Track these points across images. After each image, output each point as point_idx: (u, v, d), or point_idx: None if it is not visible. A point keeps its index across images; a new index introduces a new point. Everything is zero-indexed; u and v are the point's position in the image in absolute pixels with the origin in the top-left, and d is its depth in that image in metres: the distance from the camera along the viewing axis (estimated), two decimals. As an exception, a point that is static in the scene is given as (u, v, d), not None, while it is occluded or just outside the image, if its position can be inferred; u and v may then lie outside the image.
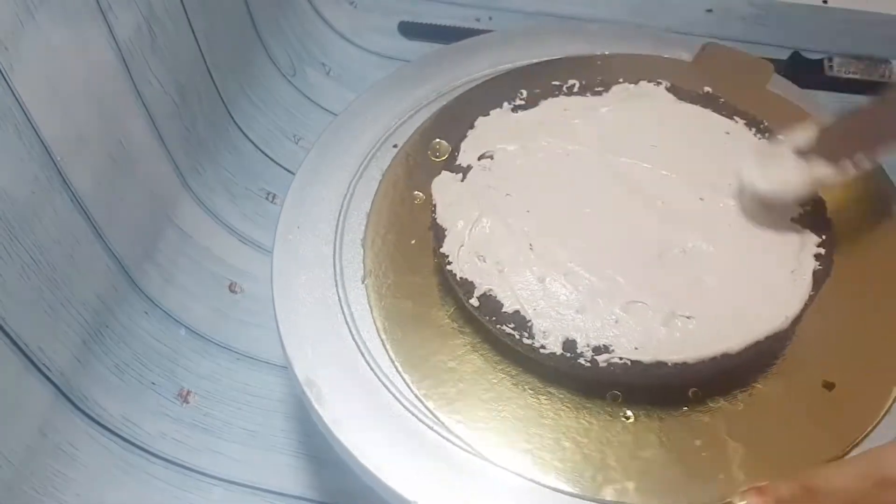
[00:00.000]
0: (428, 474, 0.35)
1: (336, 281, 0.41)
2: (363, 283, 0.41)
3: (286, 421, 0.49)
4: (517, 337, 0.35)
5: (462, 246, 0.38)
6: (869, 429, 0.36)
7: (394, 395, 0.37)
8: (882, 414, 0.37)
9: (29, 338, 0.43)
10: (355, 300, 0.40)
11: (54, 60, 0.43)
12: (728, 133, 0.42)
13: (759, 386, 0.37)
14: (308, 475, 0.47)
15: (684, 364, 0.34)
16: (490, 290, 0.36)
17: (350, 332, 0.39)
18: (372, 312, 0.40)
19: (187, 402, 0.49)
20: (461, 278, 0.37)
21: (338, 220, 0.44)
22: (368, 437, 0.36)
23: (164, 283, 0.53)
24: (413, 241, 0.42)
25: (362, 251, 0.42)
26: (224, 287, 0.54)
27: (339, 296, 0.41)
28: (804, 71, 0.67)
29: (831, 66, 0.67)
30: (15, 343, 0.42)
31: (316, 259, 0.42)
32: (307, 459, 0.48)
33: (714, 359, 0.34)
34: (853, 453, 0.35)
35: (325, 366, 0.38)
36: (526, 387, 0.37)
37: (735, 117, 0.43)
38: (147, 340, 0.50)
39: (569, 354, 0.35)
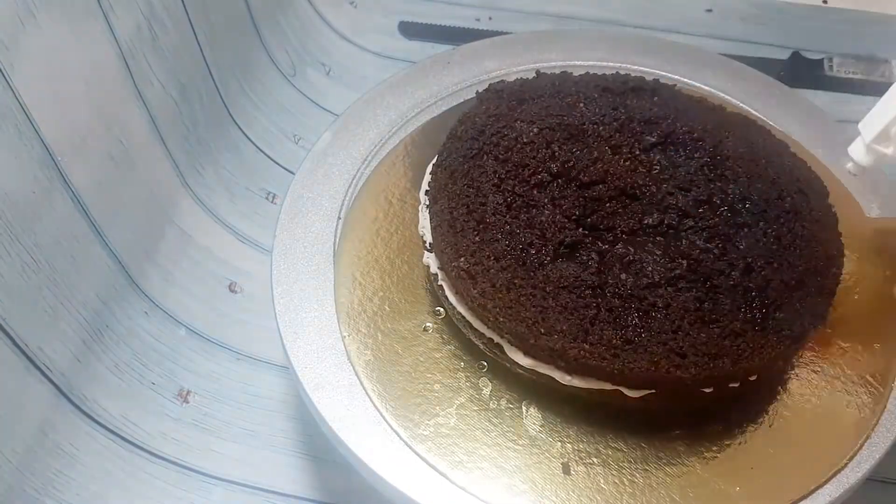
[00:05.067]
0: (429, 472, 0.35)
1: (335, 280, 0.41)
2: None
3: (286, 421, 0.49)
4: None
5: None
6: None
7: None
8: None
9: (29, 337, 0.43)
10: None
11: (55, 60, 0.43)
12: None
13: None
14: (308, 475, 0.47)
15: None
16: None
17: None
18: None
19: (187, 402, 0.49)
20: None
21: (338, 220, 0.44)
22: (370, 435, 0.36)
23: (164, 282, 0.53)
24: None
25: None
26: (224, 287, 0.54)
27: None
28: (804, 71, 0.67)
29: (831, 66, 0.68)
30: (15, 343, 0.42)
31: (315, 259, 0.42)
32: (307, 459, 0.48)
33: None
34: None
35: (325, 365, 0.38)
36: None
37: None
38: (147, 340, 0.50)
39: None
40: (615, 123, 0.41)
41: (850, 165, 0.41)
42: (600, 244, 0.37)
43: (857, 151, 0.40)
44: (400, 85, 0.50)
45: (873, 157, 0.40)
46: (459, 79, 0.51)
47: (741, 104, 0.50)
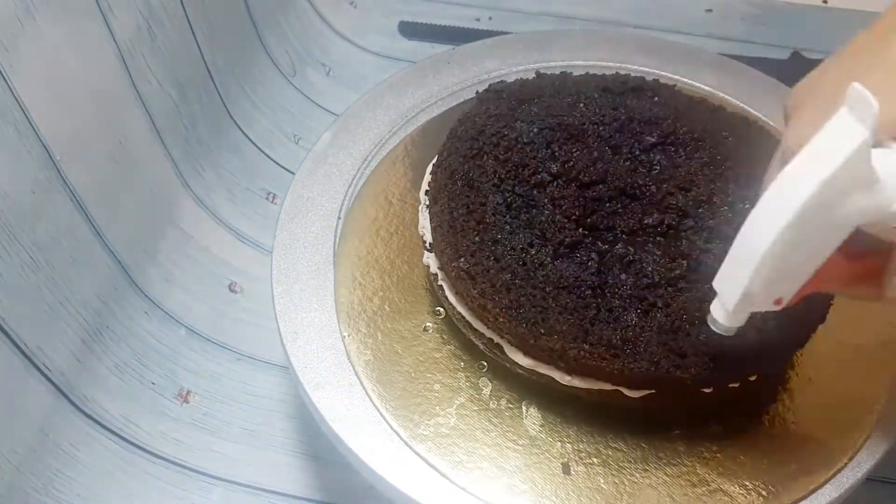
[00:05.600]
0: (429, 472, 0.35)
1: (336, 280, 0.41)
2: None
3: (286, 421, 0.49)
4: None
5: None
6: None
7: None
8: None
9: (29, 338, 0.43)
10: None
11: (54, 60, 0.43)
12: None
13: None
14: (308, 475, 0.47)
15: None
16: None
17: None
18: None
19: (187, 402, 0.49)
20: None
21: (338, 220, 0.44)
22: (370, 435, 0.36)
23: (164, 282, 0.53)
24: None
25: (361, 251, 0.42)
26: (224, 287, 0.54)
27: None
28: (804, 71, 0.67)
29: (831, 66, 0.67)
30: (15, 343, 0.42)
31: (315, 259, 0.42)
32: (307, 459, 0.47)
33: None
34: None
35: (325, 365, 0.38)
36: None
37: None
38: (147, 340, 0.50)
39: None
40: (615, 123, 0.41)
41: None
42: (600, 244, 0.37)
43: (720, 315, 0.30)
44: (400, 85, 0.50)
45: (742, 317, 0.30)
46: (459, 79, 0.51)
47: (741, 104, 0.50)
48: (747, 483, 0.35)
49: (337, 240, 0.43)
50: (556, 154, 0.39)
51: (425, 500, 0.34)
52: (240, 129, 0.61)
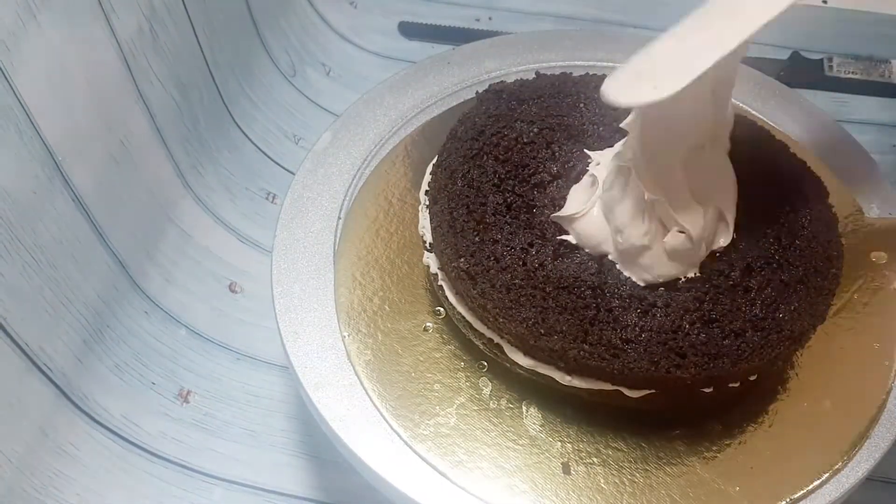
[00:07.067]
0: (429, 472, 0.36)
1: (336, 280, 0.41)
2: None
3: (286, 421, 0.49)
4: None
5: None
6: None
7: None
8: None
9: (30, 337, 0.43)
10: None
11: (56, 60, 0.43)
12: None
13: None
14: (308, 475, 0.47)
15: None
16: None
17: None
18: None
19: (187, 402, 0.49)
20: None
21: (338, 220, 0.44)
22: (370, 435, 0.36)
23: (165, 282, 0.53)
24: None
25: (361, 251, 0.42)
26: (224, 287, 0.54)
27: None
28: (804, 71, 0.67)
29: (831, 66, 0.68)
30: (16, 343, 0.42)
31: (315, 259, 0.42)
32: (307, 459, 0.48)
33: None
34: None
35: (325, 365, 0.38)
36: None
37: None
38: (147, 340, 0.50)
39: None
40: (615, 124, 0.41)
41: None
42: None
43: None
44: (400, 85, 0.50)
45: None
46: (459, 79, 0.51)
47: (741, 104, 0.50)
48: (747, 483, 0.35)
49: (337, 240, 0.43)
50: (556, 154, 0.39)
51: (425, 500, 0.34)
52: (240, 129, 0.61)
